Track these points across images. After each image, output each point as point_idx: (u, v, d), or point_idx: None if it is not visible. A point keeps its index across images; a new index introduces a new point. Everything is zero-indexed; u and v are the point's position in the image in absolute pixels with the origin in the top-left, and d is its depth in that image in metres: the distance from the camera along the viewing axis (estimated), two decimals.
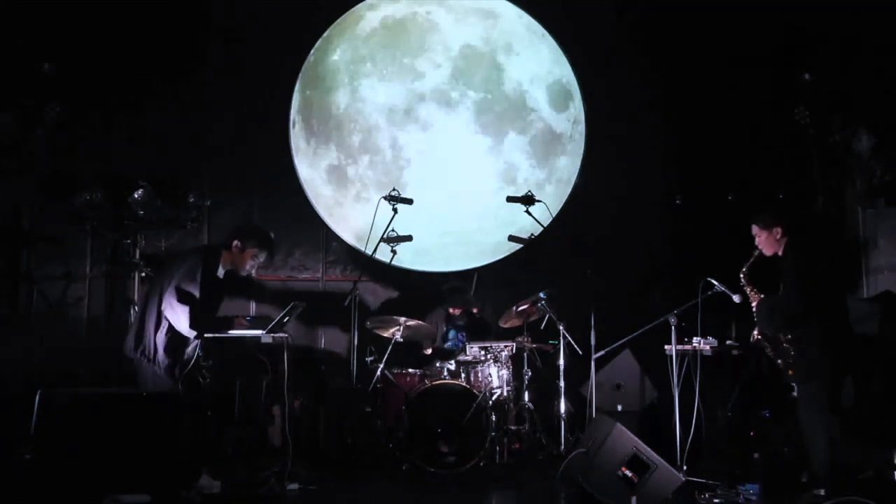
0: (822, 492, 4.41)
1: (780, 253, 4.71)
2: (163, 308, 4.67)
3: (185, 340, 4.71)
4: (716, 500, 4.62)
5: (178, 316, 4.63)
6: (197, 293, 4.68)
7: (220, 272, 4.94)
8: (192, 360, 4.69)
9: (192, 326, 4.64)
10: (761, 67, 6.91)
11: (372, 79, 7.35)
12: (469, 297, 6.76)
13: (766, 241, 4.74)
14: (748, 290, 4.86)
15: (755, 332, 4.86)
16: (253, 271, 5.07)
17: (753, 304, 4.82)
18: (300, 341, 6.52)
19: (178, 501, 4.23)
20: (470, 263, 7.35)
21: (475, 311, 6.77)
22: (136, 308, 4.90)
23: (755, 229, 4.79)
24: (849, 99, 6.55)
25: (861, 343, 5.15)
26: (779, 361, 4.85)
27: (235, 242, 4.93)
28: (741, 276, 4.87)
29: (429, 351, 6.49)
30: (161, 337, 4.67)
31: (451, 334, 6.69)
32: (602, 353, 5.70)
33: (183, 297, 4.64)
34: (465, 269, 7.29)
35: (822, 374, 4.50)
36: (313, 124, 7.40)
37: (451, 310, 6.68)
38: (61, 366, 5.75)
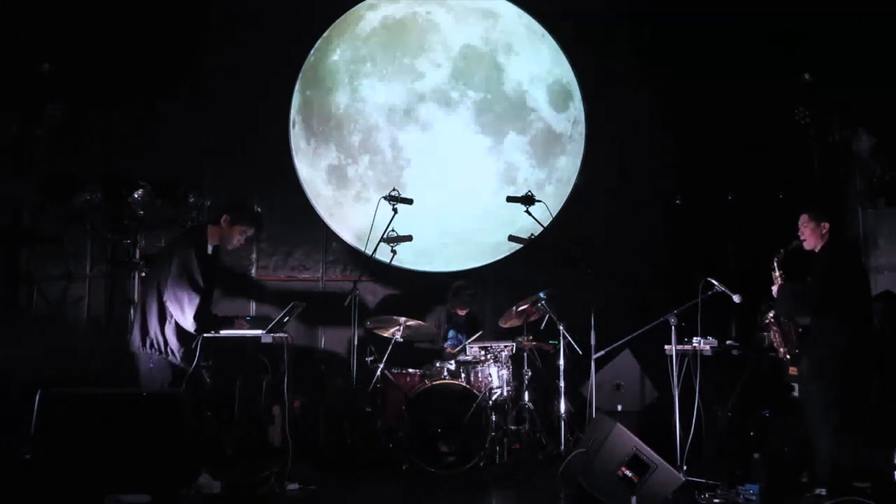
0: (824, 491, 4.41)
1: (817, 248, 4.75)
2: (165, 300, 4.66)
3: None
4: (716, 500, 4.63)
5: (181, 308, 4.63)
6: (200, 280, 4.68)
7: (209, 248, 4.92)
8: (195, 361, 4.68)
9: (195, 318, 4.63)
10: (761, 67, 6.90)
11: (372, 79, 7.35)
12: (475, 297, 6.75)
13: (811, 233, 4.77)
14: (776, 272, 4.86)
15: (770, 314, 4.88)
16: (238, 245, 5.08)
17: (775, 286, 4.83)
18: (300, 341, 6.51)
19: (178, 501, 4.22)
20: (470, 263, 7.36)
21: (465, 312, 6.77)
22: (136, 306, 4.85)
23: (804, 219, 4.80)
24: (849, 99, 6.55)
25: (879, 346, 5.17)
26: (781, 350, 4.87)
27: (224, 217, 4.91)
28: (775, 257, 4.87)
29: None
30: (170, 328, 4.67)
31: (451, 334, 6.69)
32: (602, 353, 5.70)
33: (187, 288, 4.63)
34: (465, 269, 7.29)
35: (834, 373, 4.51)
36: (313, 124, 7.40)
37: (458, 310, 6.68)
38: (61, 366, 5.75)
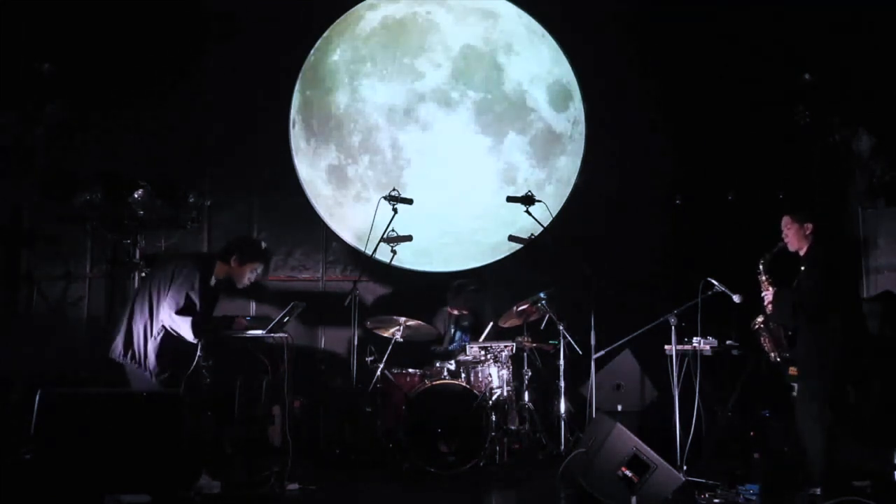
0: (818, 490, 4.41)
1: (802, 251, 4.73)
2: (160, 318, 4.64)
3: (178, 347, 4.66)
4: (716, 500, 4.63)
5: (180, 327, 4.61)
6: (198, 302, 4.65)
7: (213, 281, 4.90)
8: (195, 361, 4.67)
9: (196, 335, 4.63)
10: (761, 67, 6.90)
11: (372, 79, 7.35)
12: (478, 293, 6.74)
13: (794, 235, 4.74)
14: (763, 278, 4.85)
15: (759, 319, 4.87)
16: (249, 283, 5.07)
17: (766, 293, 4.81)
18: (300, 341, 6.51)
19: (178, 501, 4.22)
20: (470, 263, 7.36)
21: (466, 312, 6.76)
22: (123, 312, 4.82)
23: (787, 221, 4.78)
24: (849, 99, 6.55)
25: (871, 345, 5.17)
26: (771, 354, 4.88)
27: (234, 257, 4.91)
28: (760, 263, 4.86)
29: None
30: (152, 345, 4.65)
31: (458, 336, 6.68)
32: (602, 353, 5.70)
33: (185, 309, 4.61)
34: (464, 269, 7.29)
35: (829, 373, 4.51)
36: (313, 124, 7.40)
37: (455, 311, 6.67)
38: (61, 366, 5.76)
